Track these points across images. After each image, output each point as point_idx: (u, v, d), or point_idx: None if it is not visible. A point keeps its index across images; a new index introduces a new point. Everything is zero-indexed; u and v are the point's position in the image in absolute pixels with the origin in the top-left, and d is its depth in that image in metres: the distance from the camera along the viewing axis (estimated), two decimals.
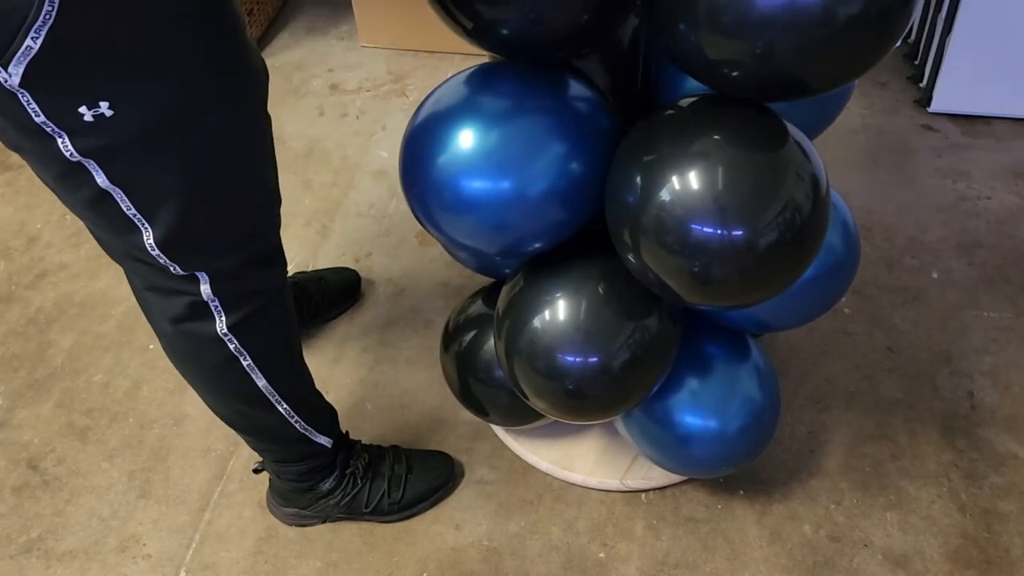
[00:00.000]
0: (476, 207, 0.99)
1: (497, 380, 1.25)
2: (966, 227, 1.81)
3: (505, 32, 0.94)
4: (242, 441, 1.45)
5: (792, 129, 0.95)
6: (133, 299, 1.70)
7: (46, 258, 1.80)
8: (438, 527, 1.34)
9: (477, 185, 0.97)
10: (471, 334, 1.27)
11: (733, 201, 0.89)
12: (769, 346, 1.55)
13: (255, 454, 1.44)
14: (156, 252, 0.91)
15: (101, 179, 0.83)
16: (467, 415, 1.44)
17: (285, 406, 1.17)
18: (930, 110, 2.08)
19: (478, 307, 1.29)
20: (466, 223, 1.01)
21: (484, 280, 1.34)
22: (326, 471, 1.30)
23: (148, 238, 0.90)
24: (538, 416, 1.27)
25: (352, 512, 1.34)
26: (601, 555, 1.30)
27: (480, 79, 1.01)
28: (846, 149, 2.00)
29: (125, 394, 1.53)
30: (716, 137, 0.90)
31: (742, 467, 1.26)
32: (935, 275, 1.71)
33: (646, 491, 1.37)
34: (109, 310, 1.68)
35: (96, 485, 1.40)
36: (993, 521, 1.33)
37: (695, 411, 1.17)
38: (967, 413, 1.47)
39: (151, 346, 1.61)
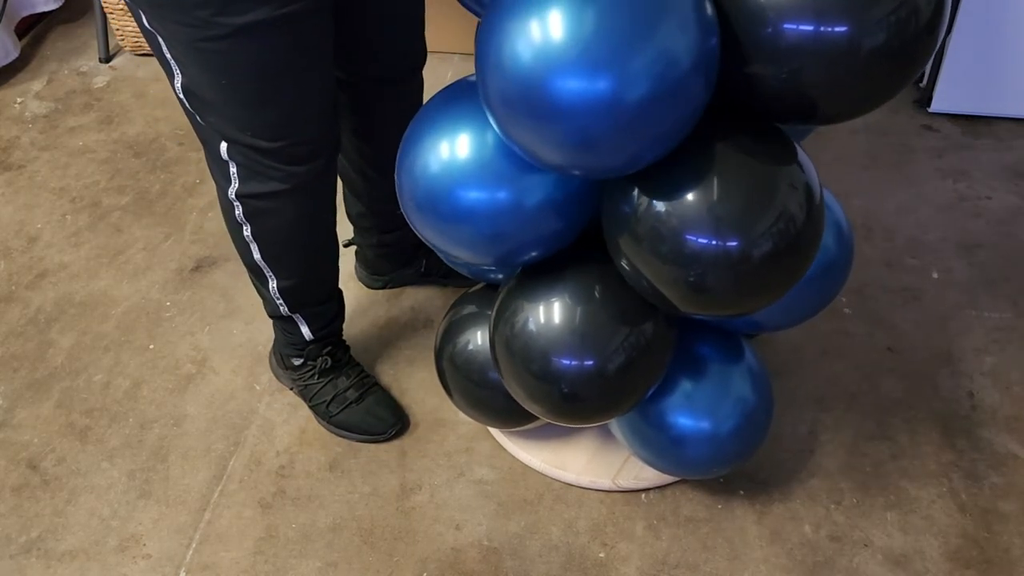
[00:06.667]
0: (472, 217, 0.99)
1: (491, 382, 1.25)
2: (967, 227, 1.80)
3: None
4: (242, 441, 1.46)
5: (787, 139, 0.95)
6: (133, 299, 1.70)
7: (46, 258, 1.80)
8: (438, 527, 1.34)
9: (473, 195, 0.98)
10: (465, 336, 1.27)
11: (728, 211, 0.89)
12: (770, 346, 1.55)
13: (255, 454, 1.44)
14: (182, 96, 1.11)
15: (146, 20, 1.05)
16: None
17: (274, 285, 1.31)
18: (930, 110, 2.08)
19: (471, 308, 1.29)
20: (462, 233, 1.01)
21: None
22: (298, 351, 1.44)
23: (177, 81, 1.10)
24: (533, 418, 1.27)
25: (304, 397, 1.47)
26: (601, 555, 1.30)
27: (474, 88, 1.01)
28: (847, 149, 2.00)
29: (125, 394, 1.53)
30: (711, 147, 0.90)
31: (734, 468, 1.26)
32: (935, 275, 1.71)
33: (646, 491, 1.36)
34: (109, 310, 1.68)
35: (96, 485, 1.40)
36: (993, 521, 1.33)
37: (688, 412, 1.17)
38: (967, 413, 1.47)
39: (151, 346, 1.61)
